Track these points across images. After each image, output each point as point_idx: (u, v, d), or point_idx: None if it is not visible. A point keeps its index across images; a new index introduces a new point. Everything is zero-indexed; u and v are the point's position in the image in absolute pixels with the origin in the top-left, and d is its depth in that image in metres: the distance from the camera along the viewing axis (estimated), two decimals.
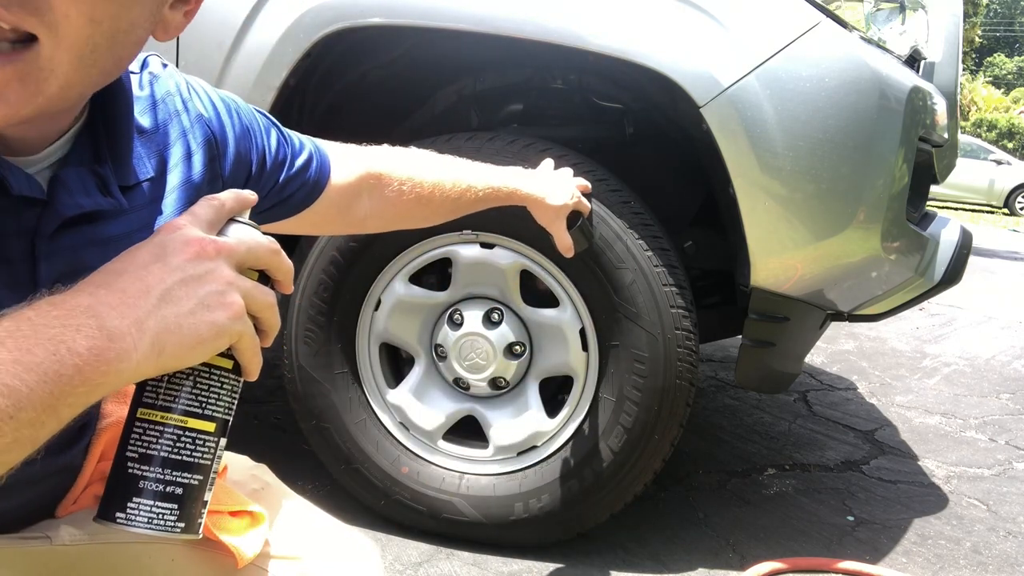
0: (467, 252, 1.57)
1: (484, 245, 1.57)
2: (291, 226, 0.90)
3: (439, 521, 1.64)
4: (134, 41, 0.54)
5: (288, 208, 0.87)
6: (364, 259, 1.59)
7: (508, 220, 1.52)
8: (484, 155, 1.51)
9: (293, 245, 1.67)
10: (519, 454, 1.63)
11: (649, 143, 1.80)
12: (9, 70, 0.46)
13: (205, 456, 0.54)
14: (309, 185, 0.87)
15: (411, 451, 1.66)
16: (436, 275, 1.69)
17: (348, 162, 0.93)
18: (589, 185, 1.39)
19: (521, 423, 1.61)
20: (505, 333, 1.58)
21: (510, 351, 1.59)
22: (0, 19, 0.45)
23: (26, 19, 0.46)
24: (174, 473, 0.52)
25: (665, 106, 1.64)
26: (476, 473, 1.64)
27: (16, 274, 0.54)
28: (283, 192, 0.84)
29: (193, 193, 0.70)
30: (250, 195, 0.58)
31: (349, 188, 0.93)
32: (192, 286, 0.49)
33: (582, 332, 1.56)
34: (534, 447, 1.62)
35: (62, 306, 0.45)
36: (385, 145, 1.03)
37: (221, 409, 0.55)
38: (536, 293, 1.61)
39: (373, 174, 0.96)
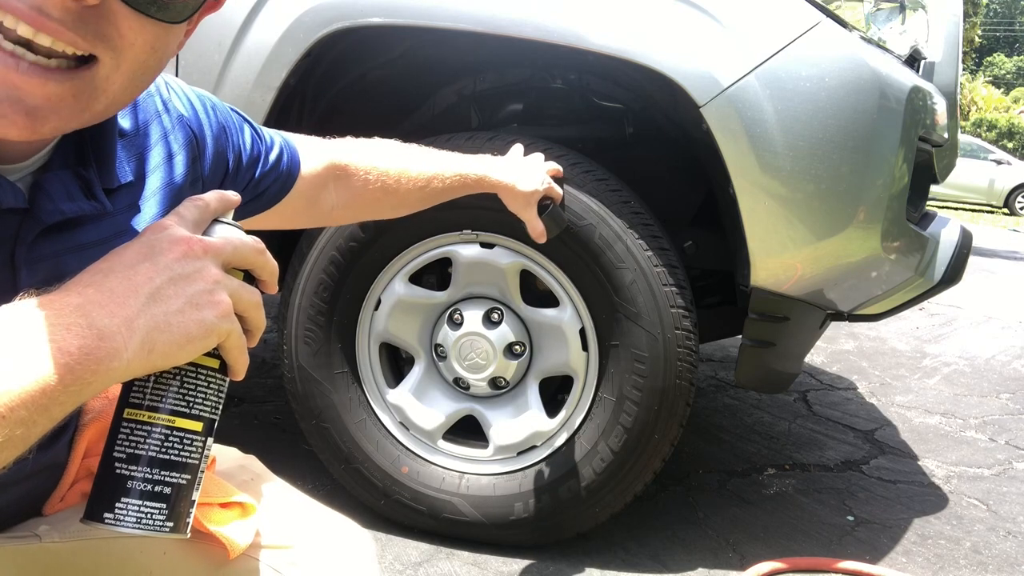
0: (467, 252, 1.57)
1: (484, 245, 1.57)
2: (261, 221, 0.90)
3: (439, 521, 1.64)
4: (165, 63, 0.57)
5: (263, 203, 0.87)
6: (364, 259, 1.59)
7: (508, 220, 1.51)
8: (484, 154, 1.51)
9: (293, 244, 1.67)
10: (519, 454, 1.63)
11: (649, 143, 1.80)
12: (68, 86, 0.49)
13: (193, 455, 0.54)
14: (282, 179, 0.88)
15: (411, 451, 1.66)
16: (436, 275, 1.69)
17: (314, 154, 0.93)
18: (560, 169, 1.36)
19: (521, 423, 1.61)
20: (505, 333, 1.58)
21: (510, 351, 1.59)
22: (75, 45, 0.48)
23: (97, 45, 0.49)
24: (162, 473, 0.52)
25: (665, 106, 1.64)
26: (476, 473, 1.64)
27: None
28: (258, 187, 0.85)
29: (175, 195, 0.70)
30: (233, 196, 0.58)
31: (316, 180, 0.93)
32: (181, 285, 0.50)
33: (582, 332, 1.56)
34: (534, 447, 1.62)
35: (51, 306, 0.45)
36: (349, 137, 1.02)
37: (208, 408, 0.55)
38: (536, 293, 1.61)
39: (339, 165, 0.96)
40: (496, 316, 1.59)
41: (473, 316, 1.59)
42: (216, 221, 0.56)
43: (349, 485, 1.68)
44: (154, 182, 0.68)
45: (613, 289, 1.50)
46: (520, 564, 1.60)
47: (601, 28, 1.39)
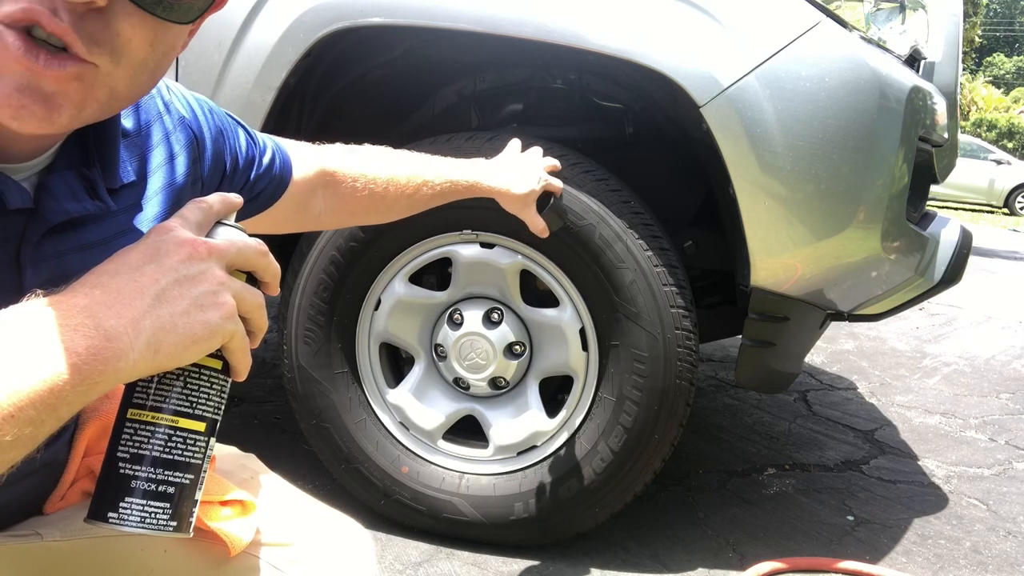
0: (467, 252, 1.57)
1: (484, 245, 1.57)
2: (251, 225, 0.89)
3: (439, 521, 1.64)
4: (170, 61, 0.57)
5: (256, 206, 0.87)
6: (364, 259, 1.59)
7: (508, 220, 1.51)
8: (484, 155, 1.50)
9: (293, 245, 1.67)
10: (519, 454, 1.63)
11: (649, 143, 1.80)
12: (73, 71, 0.49)
13: (196, 456, 0.54)
14: (275, 183, 0.88)
15: (411, 451, 1.66)
16: (436, 275, 1.69)
17: (305, 159, 0.93)
18: (558, 164, 1.31)
19: (521, 423, 1.61)
20: (505, 333, 1.58)
21: (510, 351, 1.59)
22: (76, 49, 0.48)
23: (95, 51, 0.49)
24: (165, 473, 0.52)
25: (665, 106, 1.64)
26: (476, 473, 1.64)
27: (1, 281, 0.55)
28: (253, 190, 0.85)
29: (175, 196, 0.70)
30: (236, 198, 0.59)
31: (307, 185, 0.93)
32: (186, 286, 0.50)
33: (582, 332, 1.56)
34: (534, 447, 1.62)
35: (59, 306, 0.45)
36: (339, 143, 1.02)
37: (211, 409, 0.55)
38: (536, 293, 1.61)
39: (328, 172, 0.96)
40: (496, 316, 1.59)
41: (473, 316, 1.59)
42: (219, 223, 0.56)
43: (349, 485, 1.68)
44: (156, 182, 0.68)
45: (613, 289, 1.50)
46: (520, 564, 1.60)
47: (601, 28, 1.39)
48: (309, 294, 1.62)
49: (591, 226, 1.48)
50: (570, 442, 1.59)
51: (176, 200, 0.70)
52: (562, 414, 1.60)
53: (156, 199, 0.68)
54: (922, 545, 1.83)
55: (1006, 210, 15.46)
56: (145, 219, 0.66)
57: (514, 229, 1.52)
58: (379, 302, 1.63)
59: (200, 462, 0.55)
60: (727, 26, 1.36)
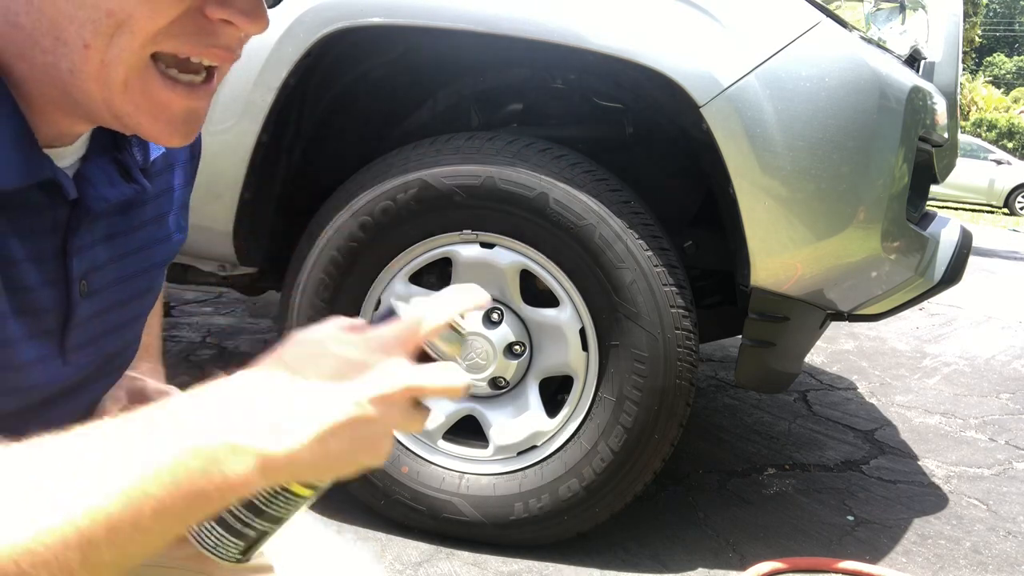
0: (467, 252, 1.57)
1: (484, 245, 1.57)
2: None
3: (439, 521, 1.64)
4: None
5: None
6: (364, 259, 1.59)
7: (509, 220, 1.52)
8: (484, 155, 1.51)
9: (294, 240, 1.66)
10: (519, 454, 1.63)
11: (649, 143, 1.80)
12: (215, 87, 0.55)
13: (288, 514, 0.54)
14: None
15: (411, 451, 1.66)
16: (436, 275, 1.69)
17: None
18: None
19: (521, 423, 1.61)
20: (505, 333, 1.58)
21: (510, 351, 1.59)
22: (227, 70, 0.56)
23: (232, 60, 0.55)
24: (253, 518, 0.53)
25: (665, 106, 1.64)
26: (476, 473, 1.64)
27: (49, 271, 0.56)
28: None
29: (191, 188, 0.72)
30: (481, 295, 0.56)
31: None
32: (354, 428, 0.47)
33: (582, 332, 1.56)
34: (534, 447, 1.62)
35: (222, 423, 0.44)
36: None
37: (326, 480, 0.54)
38: (536, 293, 1.61)
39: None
40: (496, 316, 1.59)
41: (473, 316, 1.59)
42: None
43: (349, 485, 1.68)
44: (179, 172, 0.70)
45: (613, 289, 1.49)
46: (520, 564, 1.60)
47: (601, 28, 1.39)
48: (309, 294, 1.61)
49: (591, 226, 1.48)
50: (570, 442, 1.59)
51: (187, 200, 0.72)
52: (562, 414, 1.60)
53: (182, 188, 0.71)
54: (922, 545, 1.84)
55: (1006, 210, 15.47)
56: (171, 207, 0.68)
57: (514, 229, 1.52)
58: (379, 302, 1.63)
59: (288, 517, 0.55)
60: (727, 26, 1.36)
